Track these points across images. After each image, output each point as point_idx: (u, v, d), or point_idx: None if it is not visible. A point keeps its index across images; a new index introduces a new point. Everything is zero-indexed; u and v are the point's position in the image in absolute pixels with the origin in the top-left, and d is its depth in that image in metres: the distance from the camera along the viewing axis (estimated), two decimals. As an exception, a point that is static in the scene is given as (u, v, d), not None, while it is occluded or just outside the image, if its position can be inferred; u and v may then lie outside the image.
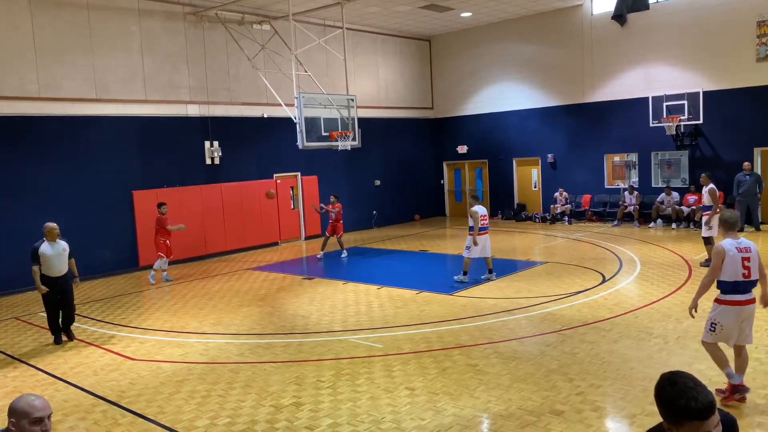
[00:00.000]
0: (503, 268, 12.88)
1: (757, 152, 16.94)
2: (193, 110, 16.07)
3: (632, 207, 18.14)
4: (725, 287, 5.71)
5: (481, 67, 21.79)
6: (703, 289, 5.87)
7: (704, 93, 17.03)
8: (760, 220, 16.29)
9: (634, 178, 18.95)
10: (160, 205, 13.34)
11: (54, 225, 8.93)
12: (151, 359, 8.05)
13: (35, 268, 8.69)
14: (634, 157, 18.96)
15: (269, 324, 9.55)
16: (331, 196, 15.50)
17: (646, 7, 16.71)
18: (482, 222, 11.33)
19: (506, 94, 21.34)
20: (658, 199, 17.93)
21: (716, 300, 5.82)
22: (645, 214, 18.18)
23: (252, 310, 10.45)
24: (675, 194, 17.71)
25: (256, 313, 10.23)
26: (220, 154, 16.45)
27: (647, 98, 17.88)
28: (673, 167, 18.24)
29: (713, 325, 5.77)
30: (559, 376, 6.60)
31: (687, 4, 17.52)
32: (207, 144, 16.32)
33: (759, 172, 16.61)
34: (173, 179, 15.65)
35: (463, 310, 9.68)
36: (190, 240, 15.81)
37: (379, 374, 6.96)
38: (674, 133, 17.57)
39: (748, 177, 16.13)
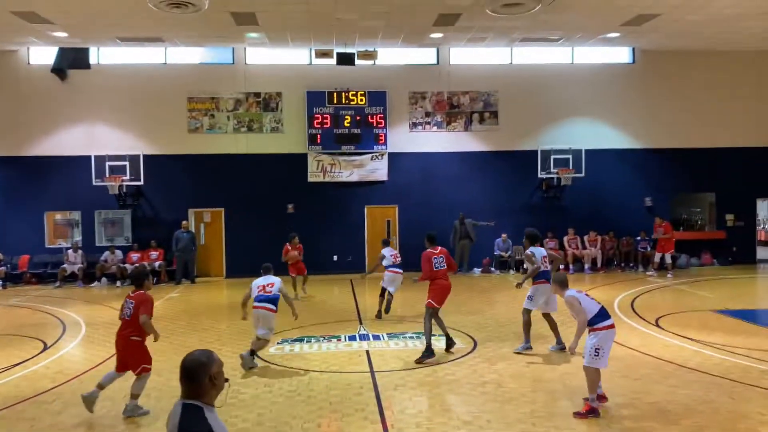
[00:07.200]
0: None
1: (192, 213, 18.88)
2: None
3: (77, 266, 17.54)
4: None
5: None
6: None
7: (144, 156, 18.08)
8: (195, 274, 18.08)
9: (78, 237, 18.44)
10: None
11: None
12: None
13: None
14: (77, 216, 18.49)
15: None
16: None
17: (87, 66, 16.81)
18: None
19: None
20: (101, 258, 17.88)
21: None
22: (89, 274, 17.75)
23: None
24: (119, 252, 18.00)
25: None
26: None
27: (90, 157, 17.82)
28: (117, 226, 18.59)
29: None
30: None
31: (124, 72, 18.44)
32: None
33: (193, 230, 18.50)
34: None
35: None
36: None
37: None
38: (117, 192, 17.98)
39: (185, 234, 17.78)
